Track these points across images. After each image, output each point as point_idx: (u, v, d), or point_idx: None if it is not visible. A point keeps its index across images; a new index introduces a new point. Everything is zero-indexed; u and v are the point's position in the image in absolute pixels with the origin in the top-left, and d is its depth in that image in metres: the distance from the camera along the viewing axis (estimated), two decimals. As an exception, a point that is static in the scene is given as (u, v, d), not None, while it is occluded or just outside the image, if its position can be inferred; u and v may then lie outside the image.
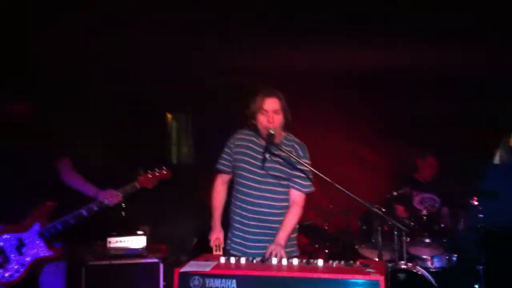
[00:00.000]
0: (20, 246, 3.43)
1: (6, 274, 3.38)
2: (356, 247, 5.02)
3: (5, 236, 3.43)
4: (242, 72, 5.75)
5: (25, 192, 3.50)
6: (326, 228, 5.49)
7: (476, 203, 5.00)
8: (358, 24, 4.57)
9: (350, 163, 6.45)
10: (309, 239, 5.45)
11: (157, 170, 3.71)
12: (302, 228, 5.08)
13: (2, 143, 3.52)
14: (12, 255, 3.42)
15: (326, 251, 5.32)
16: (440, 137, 6.07)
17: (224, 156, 3.55)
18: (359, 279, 2.54)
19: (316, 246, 5.39)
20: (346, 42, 5.20)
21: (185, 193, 6.07)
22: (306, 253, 5.21)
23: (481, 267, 4.85)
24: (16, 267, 3.40)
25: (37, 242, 3.46)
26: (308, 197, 3.46)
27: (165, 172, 3.74)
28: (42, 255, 3.45)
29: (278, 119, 3.35)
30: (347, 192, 3.11)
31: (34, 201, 3.49)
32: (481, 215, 5.00)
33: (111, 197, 3.57)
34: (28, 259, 3.43)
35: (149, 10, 4.06)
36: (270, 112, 3.33)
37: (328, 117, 6.58)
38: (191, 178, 5.85)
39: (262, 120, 3.34)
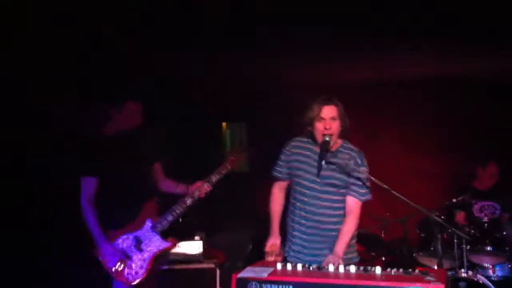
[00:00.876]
0: (138, 244, 3.59)
1: (133, 272, 3.54)
2: (414, 255, 4.93)
3: (123, 237, 3.59)
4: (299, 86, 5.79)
5: (132, 198, 3.64)
6: (383, 236, 5.42)
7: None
8: (413, 34, 4.51)
9: (408, 172, 6.40)
10: (364, 246, 5.39)
11: (233, 156, 3.82)
12: (358, 235, 5.07)
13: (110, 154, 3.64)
14: (133, 254, 3.58)
15: (383, 259, 5.24)
16: (501, 145, 5.91)
17: (280, 163, 3.57)
18: (418, 287, 2.50)
19: (373, 254, 5.32)
20: (404, 53, 5.15)
21: (240, 200, 6.15)
22: (363, 260, 5.16)
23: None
24: (139, 264, 3.56)
25: (153, 236, 3.61)
26: (364, 204, 3.42)
27: (243, 153, 3.93)
28: (160, 247, 3.61)
29: (335, 126, 3.34)
30: (405, 199, 3.08)
31: (138, 205, 3.64)
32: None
33: (201, 188, 3.68)
34: (148, 254, 3.59)
35: (213, 23, 4.14)
36: (328, 119, 3.33)
37: (387, 128, 6.57)
38: (246, 186, 5.92)
39: (319, 127, 3.34)
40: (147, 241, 3.59)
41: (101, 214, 3.55)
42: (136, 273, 3.53)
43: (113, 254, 3.53)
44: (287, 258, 3.39)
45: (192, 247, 4.80)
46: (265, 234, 3.53)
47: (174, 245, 3.69)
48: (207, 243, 4.98)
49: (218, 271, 4.61)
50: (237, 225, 5.96)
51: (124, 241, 3.58)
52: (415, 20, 4.16)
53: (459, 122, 6.25)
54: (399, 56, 5.35)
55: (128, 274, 3.53)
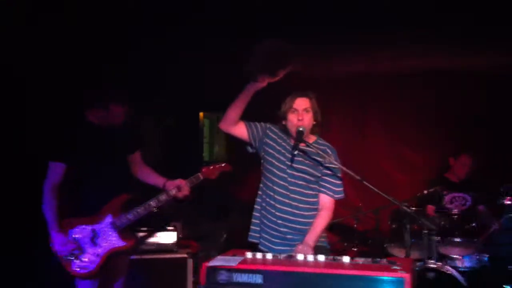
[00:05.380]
0: (94, 238, 3.54)
1: (82, 265, 3.48)
2: (386, 245, 5.00)
3: (79, 228, 3.53)
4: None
5: (107, 186, 3.60)
6: (356, 226, 5.49)
7: (509, 202, 4.92)
8: (402, 25, 4.55)
9: (390, 164, 6.49)
10: (338, 237, 5.46)
11: (219, 163, 3.80)
12: (331, 226, 5.13)
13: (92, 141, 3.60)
14: (87, 246, 3.52)
15: (355, 249, 5.31)
16: (475, 136, 6.01)
17: (257, 124, 3.54)
18: (385, 276, 2.54)
19: (345, 244, 5.39)
20: (387, 44, 5.19)
21: (215, 190, 6.15)
22: (336, 250, 5.22)
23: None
24: (91, 258, 3.50)
25: (110, 233, 3.56)
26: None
27: (224, 165, 3.82)
28: (115, 245, 3.54)
29: (308, 118, 3.37)
30: (376, 189, 3.12)
31: (103, 198, 3.60)
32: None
33: (180, 188, 3.65)
34: (102, 250, 3.52)
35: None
36: (300, 110, 3.35)
37: (367, 117, 6.64)
38: (223, 176, 5.93)
39: (292, 118, 3.36)
40: (103, 237, 3.53)
41: (66, 201, 3.51)
42: (86, 266, 3.47)
43: (64, 243, 3.47)
44: (258, 247, 3.42)
45: (167, 237, 4.80)
46: (240, 224, 3.54)
47: (130, 246, 3.60)
48: (182, 233, 4.99)
49: (191, 261, 4.62)
50: (211, 215, 5.97)
51: (80, 232, 3.52)
52: (394, 12, 4.20)
53: (439, 115, 6.32)
54: (381, 50, 5.38)
55: (77, 266, 3.47)
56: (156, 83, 5.76)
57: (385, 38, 4.92)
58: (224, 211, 6.05)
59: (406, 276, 2.51)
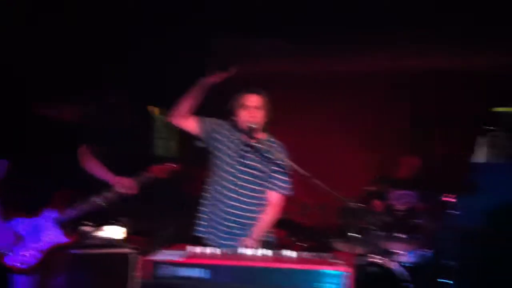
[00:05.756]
0: (36, 232, 3.47)
1: (22, 260, 3.40)
2: (332, 241, 5.09)
3: (21, 222, 3.46)
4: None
5: (51, 181, 3.55)
6: (303, 222, 5.56)
7: (453, 200, 5.08)
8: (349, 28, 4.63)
9: (334, 159, 6.56)
10: (286, 232, 5.51)
11: (168, 163, 3.77)
12: (280, 221, 5.17)
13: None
14: (28, 240, 3.44)
15: (303, 244, 5.38)
16: (424, 136, 6.19)
17: (208, 119, 3.52)
18: (327, 270, 2.59)
19: (293, 239, 5.45)
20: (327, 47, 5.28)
21: (168, 186, 6.09)
22: (283, 246, 5.26)
23: (454, 264, 4.93)
24: (32, 253, 3.42)
25: (53, 228, 3.50)
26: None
27: (173, 165, 3.80)
28: (58, 241, 3.48)
29: (260, 115, 3.39)
30: (322, 185, 3.18)
31: (56, 190, 3.55)
32: (458, 213, 5.09)
33: (127, 186, 3.60)
34: (43, 245, 3.46)
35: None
36: (252, 107, 3.37)
37: (321, 115, 6.71)
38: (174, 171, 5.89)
39: (243, 115, 3.38)
40: (45, 232, 3.49)
41: (9, 196, 3.43)
42: (26, 261, 3.41)
43: (4, 237, 3.40)
44: (205, 241, 3.42)
45: (114, 232, 4.73)
46: (190, 219, 3.53)
47: (73, 242, 3.58)
48: (130, 228, 4.93)
49: (137, 256, 4.57)
50: (161, 211, 5.91)
51: (22, 226, 3.45)
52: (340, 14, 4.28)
53: (392, 116, 6.46)
54: (341, 50, 5.47)
55: (16, 260, 3.40)
56: (112, 77, 5.69)
57: (345, 38, 5.01)
58: (175, 206, 6.01)
59: (348, 270, 2.58)
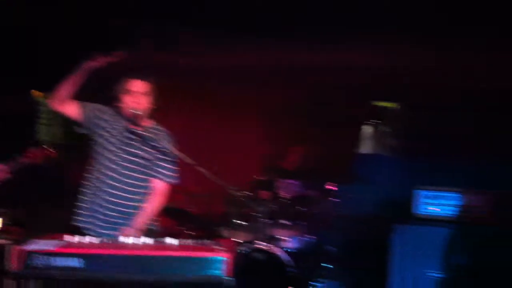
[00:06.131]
0: None
1: None
2: (218, 228, 5.14)
3: None
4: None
5: None
6: (192, 210, 5.57)
7: (335, 189, 5.32)
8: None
9: (230, 150, 6.61)
10: (175, 221, 5.49)
11: (44, 148, 3.57)
12: (168, 210, 5.13)
13: None
14: None
15: (191, 233, 5.39)
16: (310, 128, 6.39)
17: (90, 104, 3.40)
18: (207, 256, 2.62)
19: (182, 228, 5.44)
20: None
21: (49, 173, 5.83)
22: (171, 234, 5.24)
23: (335, 249, 5.19)
24: None
25: None
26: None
27: (52, 150, 3.59)
28: None
29: (145, 101, 3.32)
30: (208, 173, 3.20)
31: None
32: (339, 200, 5.35)
33: None
34: None
35: None
36: (137, 93, 3.30)
37: (212, 104, 6.72)
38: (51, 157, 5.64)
39: (128, 101, 3.30)
40: None
41: None
42: None
43: None
44: (84, 231, 3.31)
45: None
46: (69, 209, 3.41)
47: None
48: (6, 219, 4.68)
49: (12, 247, 4.33)
50: (42, 200, 5.67)
51: None
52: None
53: (280, 109, 6.60)
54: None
55: None
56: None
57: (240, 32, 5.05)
58: (55, 194, 5.76)
59: (227, 256, 2.62)
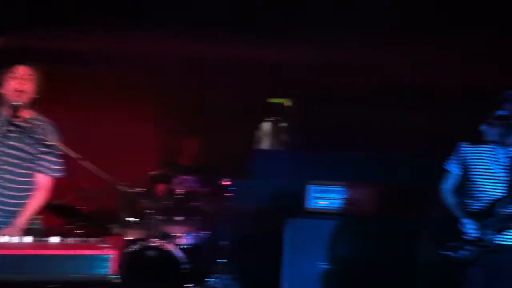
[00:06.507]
0: None
1: None
2: (110, 226, 5.00)
3: None
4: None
5: None
6: (82, 207, 5.37)
7: (228, 183, 5.34)
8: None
9: (124, 143, 6.42)
10: (64, 219, 5.26)
11: None
12: (57, 207, 4.92)
13: None
14: None
15: (81, 231, 5.18)
16: (206, 121, 6.36)
17: None
18: (91, 254, 2.54)
19: (71, 226, 5.22)
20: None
21: None
22: (59, 233, 5.01)
23: (229, 244, 5.22)
24: None
25: None
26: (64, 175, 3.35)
27: None
28: None
29: (29, 87, 3.14)
30: (95, 168, 3.10)
31: None
32: (234, 196, 5.37)
33: None
34: None
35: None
36: (20, 78, 3.12)
37: (98, 94, 6.49)
38: None
39: (9, 87, 3.11)
40: None
41: None
42: None
43: None
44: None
45: None
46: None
47: None
48: None
49: None
50: None
51: None
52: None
53: (176, 100, 6.52)
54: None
55: None
56: None
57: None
58: None
59: (113, 253, 2.55)
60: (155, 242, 4.64)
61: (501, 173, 3.38)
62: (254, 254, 5.45)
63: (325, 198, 5.11)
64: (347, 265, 4.87)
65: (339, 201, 5.04)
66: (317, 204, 5.12)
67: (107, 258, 2.52)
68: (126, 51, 6.03)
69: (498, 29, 4.43)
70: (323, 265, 4.93)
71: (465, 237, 3.37)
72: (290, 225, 5.04)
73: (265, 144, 6.79)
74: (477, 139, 3.52)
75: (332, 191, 5.07)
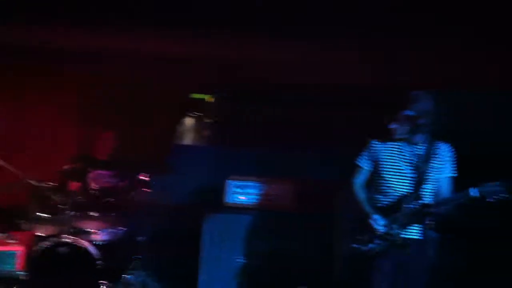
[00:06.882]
0: None
1: None
2: (20, 222, 4.78)
3: None
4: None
5: None
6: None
7: (146, 178, 5.25)
8: None
9: (41, 137, 6.25)
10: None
11: None
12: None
13: None
14: None
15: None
16: (120, 114, 6.22)
17: None
18: (-5, 250, 2.42)
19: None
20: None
21: None
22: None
23: (145, 239, 5.14)
24: None
25: None
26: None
27: None
28: None
29: None
30: (4, 164, 2.97)
31: None
32: (152, 191, 5.30)
33: None
34: None
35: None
36: None
37: (25, 90, 6.26)
38: None
39: None
40: None
41: None
42: None
43: None
44: None
45: None
46: None
47: None
48: None
49: None
50: None
51: None
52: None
53: (95, 92, 6.34)
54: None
55: None
56: None
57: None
58: None
59: (19, 249, 2.46)
60: (68, 238, 4.50)
61: (408, 170, 3.55)
62: (172, 250, 5.42)
63: (244, 193, 5.16)
64: (264, 260, 4.95)
65: (257, 197, 5.12)
66: (236, 199, 5.17)
67: (13, 254, 2.43)
68: (39, 43, 5.80)
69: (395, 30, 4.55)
70: (240, 260, 4.98)
71: (374, 231, 3.52)
72: (208, 220, 5.06)
73: (186, 139, 6.76)
74: (387, 137, 3.68)
75: (251, 187, 5.14)
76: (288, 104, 6.05)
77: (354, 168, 3.80)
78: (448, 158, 3.61)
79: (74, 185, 5.25)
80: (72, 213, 4.67)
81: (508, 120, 4.89)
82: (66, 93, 6.32)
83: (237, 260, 4.97)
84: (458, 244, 4.52)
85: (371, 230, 3.53)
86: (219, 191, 5.25)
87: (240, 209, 5.11)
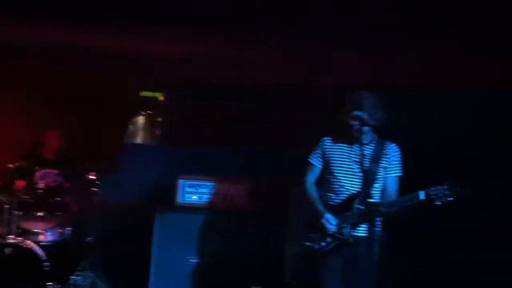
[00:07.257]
0: None
1: None
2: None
3: None
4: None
5: None
6: None
7: (94, 177, 5.15)
8: None
9: None
10: None
11: None
12: None
13: None
14: None
15: None
16: (69, 112, 6.08)
17: None
18: None
19: None
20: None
21: None
22: None
23: (93, 240, 5.05)
24: None
25: None
26: None
27: None
28: None
29: None
30: None
31: None
32: (101, 190, 5.20)
33: None
34: None
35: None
36: None
37: None
38: None
39: None
40: None
41: None
42: None
43: None
44: None
45: None
46: None
47: None
48: None
49: None
50: None
51: None
52: None
53: (48, 89, 6.16)
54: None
55: None
56: None
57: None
58: None
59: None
60: (13, 239, 4.37)
61: (357, 170, 3.61)
62: (123, 250, 5.33)
63: (195, 192, 5.13)
64: (217, 259, 4.93)
65: (210, 196, 5.09)
66: (188, 199, 5.13)
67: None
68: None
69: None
70: (193, 259, 4.95)
71: (325, 229, 3.57)
72: (160, 220, 5.01)
73: (137, 138, 6.67)
74: (339, 136, 3.73)
75: (203, 186, 5.11)
76: (241, 103, 6.03)
77: (306, 166, 3.83)
78: (396, 158, 3.69)
79: (20, 184, 5.11)
80: (17, 213, 4.53)
81: (457, 119, 5.00)
82: (14, 90, 6.13)
83: (190, 259, 4.94)
84: (402, 243, 4.61)
85: (323, 229, 3.57)
86: (171, 190, 5.20)
87: (192, 208, 5.07)
